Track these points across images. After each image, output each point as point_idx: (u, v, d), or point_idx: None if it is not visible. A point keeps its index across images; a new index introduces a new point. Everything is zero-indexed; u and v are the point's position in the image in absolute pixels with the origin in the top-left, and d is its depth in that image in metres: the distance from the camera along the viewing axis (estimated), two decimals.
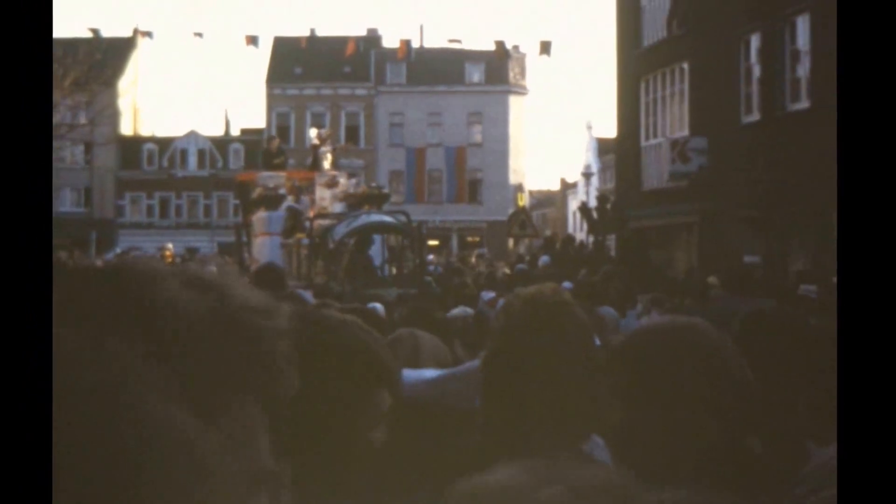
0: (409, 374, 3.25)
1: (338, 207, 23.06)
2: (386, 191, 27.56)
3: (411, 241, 21.86)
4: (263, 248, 22.80)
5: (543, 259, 25.48)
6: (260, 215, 23.83)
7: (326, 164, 25.68)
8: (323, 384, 2.06)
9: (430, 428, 2.95)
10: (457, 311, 9.29)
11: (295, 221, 22.52)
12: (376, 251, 21.06)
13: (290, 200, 23.69)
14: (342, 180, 25.66)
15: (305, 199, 23.56)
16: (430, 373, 3.19)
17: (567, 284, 14.00)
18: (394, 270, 21.94)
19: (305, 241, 21.25)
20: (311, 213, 22.27)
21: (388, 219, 21.89)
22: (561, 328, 2.73)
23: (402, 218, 21.85)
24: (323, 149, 26.31)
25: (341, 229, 19.89)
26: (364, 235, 20.17)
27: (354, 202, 23.01)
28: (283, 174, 25.80)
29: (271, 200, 23.85)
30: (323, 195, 23.67)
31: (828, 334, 4.13)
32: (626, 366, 2.59)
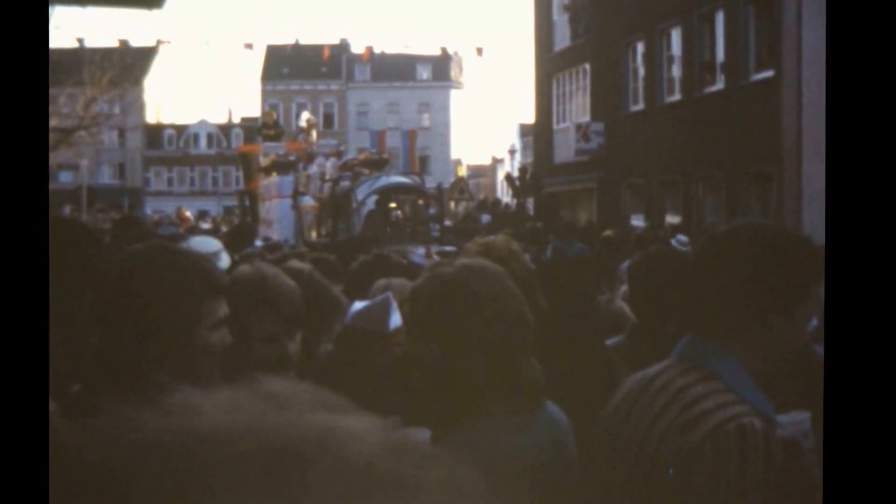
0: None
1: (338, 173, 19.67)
2: (385, 156, 22.98)
3: (433, 201, 19.09)
4: (274, 210, 20.53)
5: (485, 218, 24.97)
6: (272, 180, 21.59)
7: (314, 139, 24.38)
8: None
9: (355, 343, 2.87)
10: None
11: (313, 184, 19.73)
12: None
13: (302, 167, 21.32)
14: (342, 150, 23.80)
15: (313, 166, 20.80)
16: (358, 304, 2.98)
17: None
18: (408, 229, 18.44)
19: (307, 199, 18.98)
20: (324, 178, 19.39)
21: (406, 180, 19.20)
22: (510, 268, 2.61)
23: (418, 179, 19.37)
24: (312, 130, 25.06)
25: (364, 190, 17.14)
26: (384, 196, 17.39)
27: (355, 167, 19.83)
28: (283, 144, 23.56)
29: (283, 166, 21.69)
30: (326, 163, 20.67)
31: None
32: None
